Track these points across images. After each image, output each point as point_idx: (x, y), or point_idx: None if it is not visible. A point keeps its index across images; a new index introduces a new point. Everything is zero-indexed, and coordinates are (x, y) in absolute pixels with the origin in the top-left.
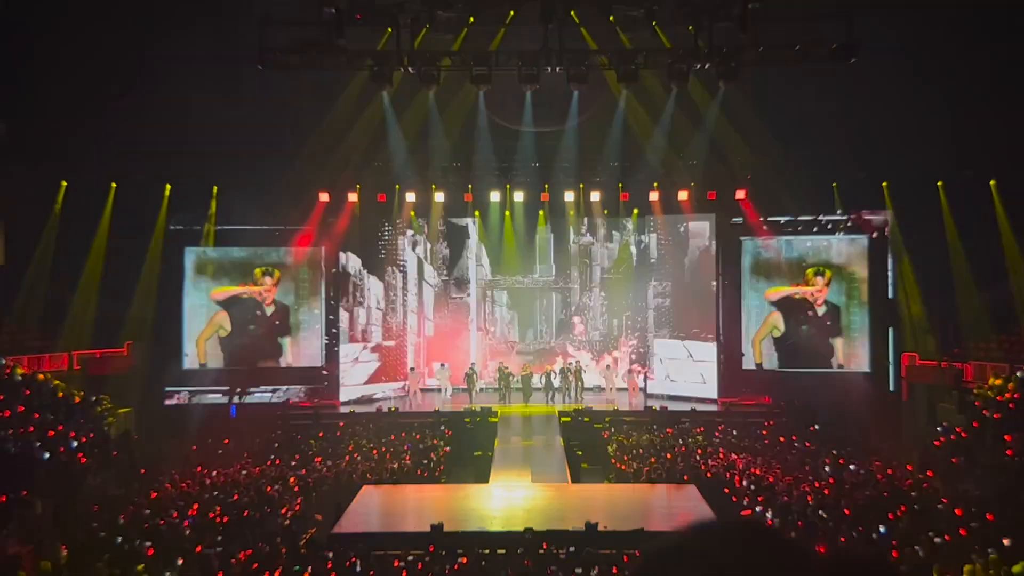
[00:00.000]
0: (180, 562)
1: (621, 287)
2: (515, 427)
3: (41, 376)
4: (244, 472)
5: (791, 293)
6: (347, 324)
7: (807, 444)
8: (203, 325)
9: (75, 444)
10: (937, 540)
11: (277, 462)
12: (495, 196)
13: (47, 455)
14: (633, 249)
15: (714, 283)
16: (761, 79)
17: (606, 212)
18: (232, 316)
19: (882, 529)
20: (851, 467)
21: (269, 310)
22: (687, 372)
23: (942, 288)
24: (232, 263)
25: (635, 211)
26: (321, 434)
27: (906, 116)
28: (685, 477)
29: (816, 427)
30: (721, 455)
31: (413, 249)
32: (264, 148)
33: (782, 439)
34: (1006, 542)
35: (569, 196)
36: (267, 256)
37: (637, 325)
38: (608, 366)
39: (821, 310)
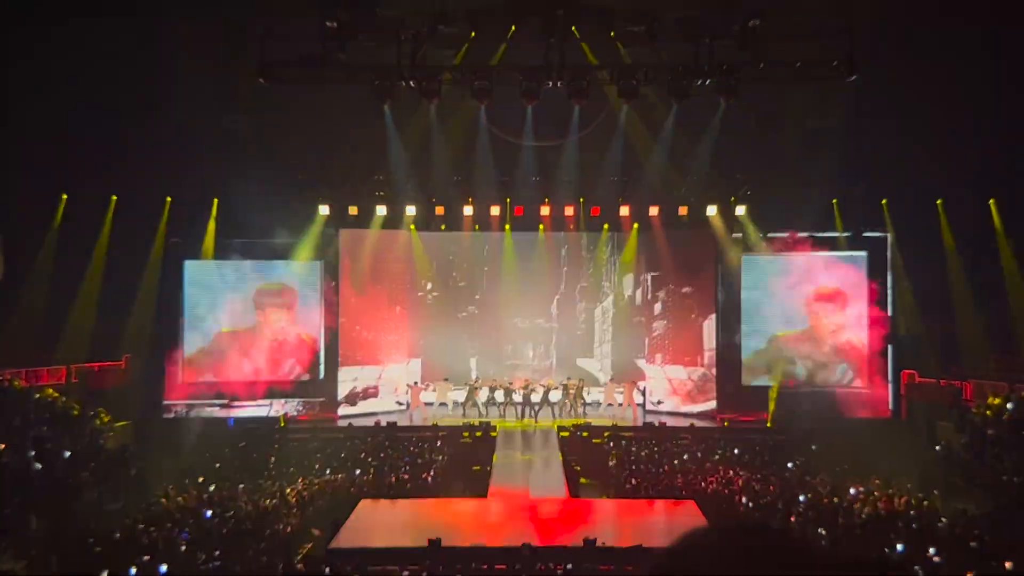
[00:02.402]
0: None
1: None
2: (514, 442)
3: (39, 389)
4: (241, 486)
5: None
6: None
7: (806, 461)
8: (202, 340)
9: (71, 458)
10: (936, 559)
11: (274, 476)
12: (495, 210)
13: (43, 469)
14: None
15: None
16: (761, 95)
17: (607, 227)
18: (235, 335)
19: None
20: (849, 484)
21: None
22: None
23: (941, 306)
24: (231, 277)
25: (635, 225)
26: (322, 450)
27: (906, 133)
28: (684, 493)
29: (815, 445)
30: (720, 471)
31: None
32: (264, 162)
33: (781, 456)
34: (1008, 565)
35: (569, 211)
36: (266, 270)
37: (630, 352)
38: (610, 379)
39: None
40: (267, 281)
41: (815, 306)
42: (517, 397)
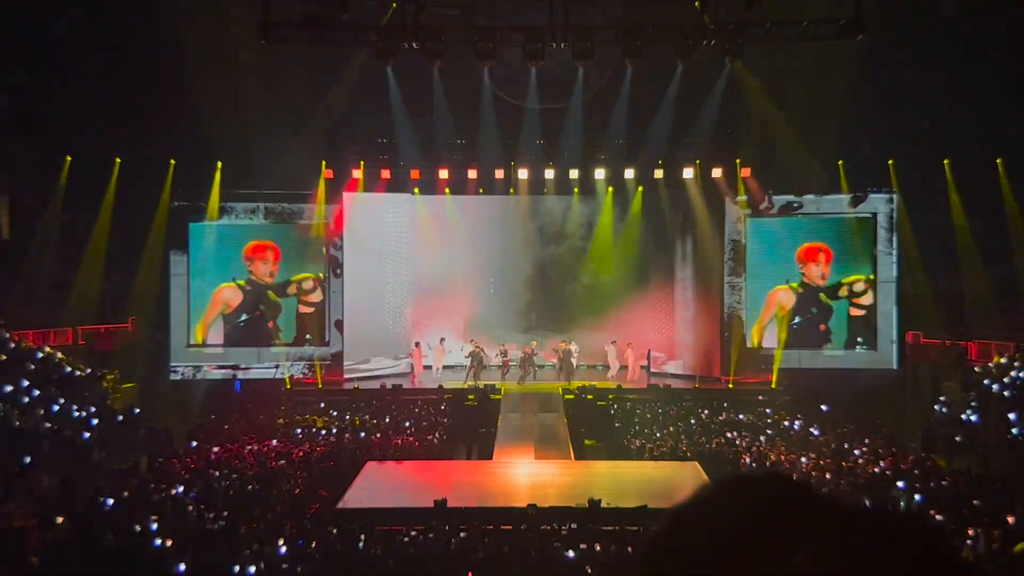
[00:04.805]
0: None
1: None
2: (518, 404)
3: (46, 350)
4: (249, 447)
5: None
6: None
7: (810, 421)
8: (205, 303)
9: (80, 418)
10: (939, 518)
11: (281, 437)
12: (499, 173)
13: (52, 429)
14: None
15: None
16: (768, 56)
17: (611, 189)
18: (239, 295)
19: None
20: (854, 445)
21: (272, 288)
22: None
23: (947, 266)
24: (235, 239)
25: (640, 188)
26: (324, 407)
27: (912, 93)
28: (688, 454)
29: (821, 406)
30: (724, 433)
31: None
32: (268, 124)
33: (785, 416)
34: (1010, 519)
35: (574, 173)
36: (270, 232)
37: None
38: (613, 342)
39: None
40: (258, 241)
41: (803, 263)
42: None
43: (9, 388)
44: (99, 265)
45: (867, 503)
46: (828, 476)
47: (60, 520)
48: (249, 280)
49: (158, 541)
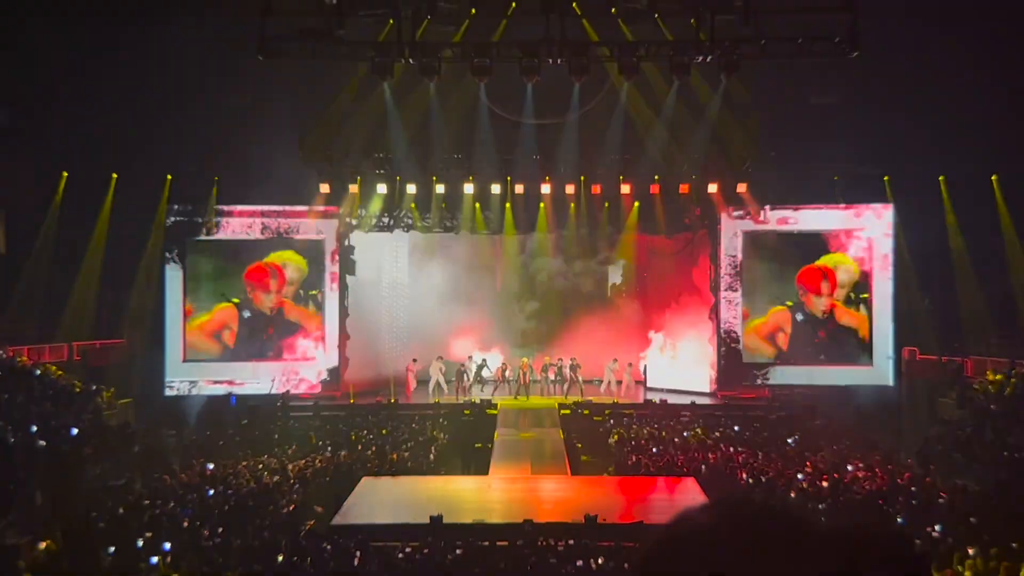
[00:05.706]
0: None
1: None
2: (514, 419)
3: (41, 366)
4: (244, 463)
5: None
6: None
7: (806, 437)
8: (203, 317)
9: (75, 434)
10: (936, 534)
11: (276, 453)
12: (495, 188)
13: (47, 445)
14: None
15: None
16: (763, 71)
17: (607, 205)
18: (240, 316)
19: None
20: (850, 461)
21: (274, 309)
22: (681, 368)
23: (943, 282)
24: (232, 253)
25: (636, 204)
26: (319, 423)
27: (908, 109)
28: (685, 470)
29: (816, 421)
30: (721, 448)
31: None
32: (264, 139)
33: (780, 432)
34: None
35: (569, 189)
36: (267, 248)
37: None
38: (615, 360)
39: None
40: (261, 260)
41: (804, 283)
42: (514, 376)
43: (4, 403)
44: (95, 280)
45: (854, 529)
46: (824, 492)
47: (54, 537)
48: (250, 306)
49: (154, 559)
